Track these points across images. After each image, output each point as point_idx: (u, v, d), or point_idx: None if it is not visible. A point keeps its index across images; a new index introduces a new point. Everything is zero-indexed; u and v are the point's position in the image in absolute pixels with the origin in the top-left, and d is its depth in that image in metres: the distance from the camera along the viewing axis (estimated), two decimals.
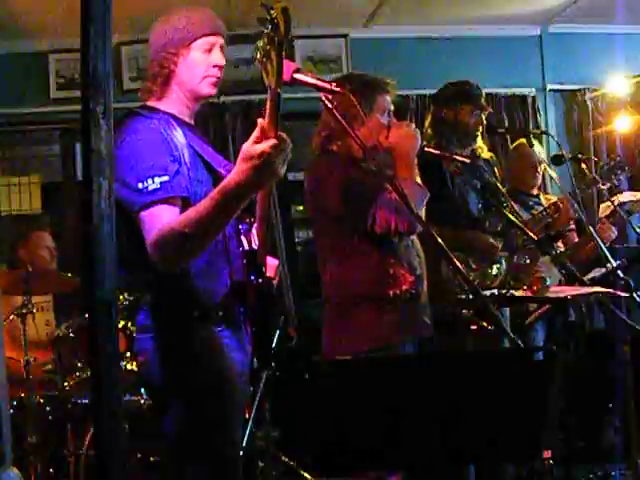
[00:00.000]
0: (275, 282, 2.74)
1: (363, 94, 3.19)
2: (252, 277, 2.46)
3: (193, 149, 2.48)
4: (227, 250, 2.50)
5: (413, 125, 3.25)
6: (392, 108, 3.36)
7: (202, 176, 2.47)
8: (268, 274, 2.62)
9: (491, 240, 3.86)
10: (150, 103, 2.55)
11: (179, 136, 2.45)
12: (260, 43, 2.00)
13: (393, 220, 3.07)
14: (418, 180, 3.19)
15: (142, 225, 2.31)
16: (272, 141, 2.07)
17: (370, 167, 3.31)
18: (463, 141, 3.99)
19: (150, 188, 2.29)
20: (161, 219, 2.28)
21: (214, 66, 2.54)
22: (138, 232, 2.34)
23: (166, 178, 2.31)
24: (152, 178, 2.30)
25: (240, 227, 2.51)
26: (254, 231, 2.53)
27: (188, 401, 2.45)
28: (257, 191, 2.24)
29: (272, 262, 2.74)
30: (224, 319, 2.50)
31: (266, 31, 1.96)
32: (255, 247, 2.50)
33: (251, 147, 2.10)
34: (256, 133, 2.11)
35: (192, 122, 2.61)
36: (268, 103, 2.08)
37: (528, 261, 4.05)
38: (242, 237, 2.51)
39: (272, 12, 1.94)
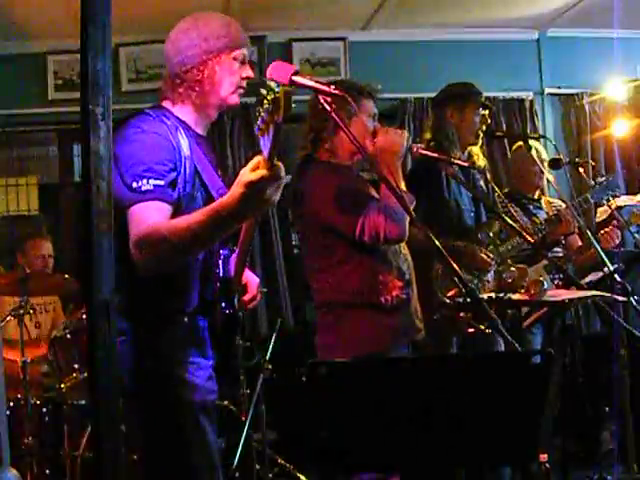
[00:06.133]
0: (254, 302, 2.73)
1: (351, 97, 3.20)
2: (223, 304, 2.49)
3: (194, 165, 2.46)
4: (204, 268, 2.49)
5: (401, 131, 3.22)
6: (377, 113, 3.36)
7: (197, 193, 2.46)
8: (249, 292, 2.66)
9: (483, 254, 3.81)
10: (166, 104, 2.54)
11: (185, 147, 2.43)
12: (261, 112, 1.96)
13: (382, 229, 3.07)
14: (403, 186, 3.18)
15: (129, 218, 2.28)
16: (262, 172, 2.02)
17: (357, 173, 3.30)
18: (465, 142, 3.98)
19: (143, 188, 2.28)
20: (150, 216, 2.26)
21: (246, 77, 2.59)
22: (120, 228, 2.31)
23: (161, 182, 2.30)
24: (147, 179, 2.28)
25: (221, 251, 2.52)
26: (232, 260, 2.54)
27: (154, 407, 2.44)
28: (245, 218, 2.21)
29: (253, 279, 2.74)
30: (189, 328, 2.49)
31: (266, 106, 1.92)
32: (231, 275, 2.51)
33: (244, 175, 2.07)
34: (254, 161, 2.07)
35: (204, 133, 2.60)
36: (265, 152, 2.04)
37: (514, 270, 4.00)
38: (220, 261, 2.52)
39: (277, 92, 1.90)
